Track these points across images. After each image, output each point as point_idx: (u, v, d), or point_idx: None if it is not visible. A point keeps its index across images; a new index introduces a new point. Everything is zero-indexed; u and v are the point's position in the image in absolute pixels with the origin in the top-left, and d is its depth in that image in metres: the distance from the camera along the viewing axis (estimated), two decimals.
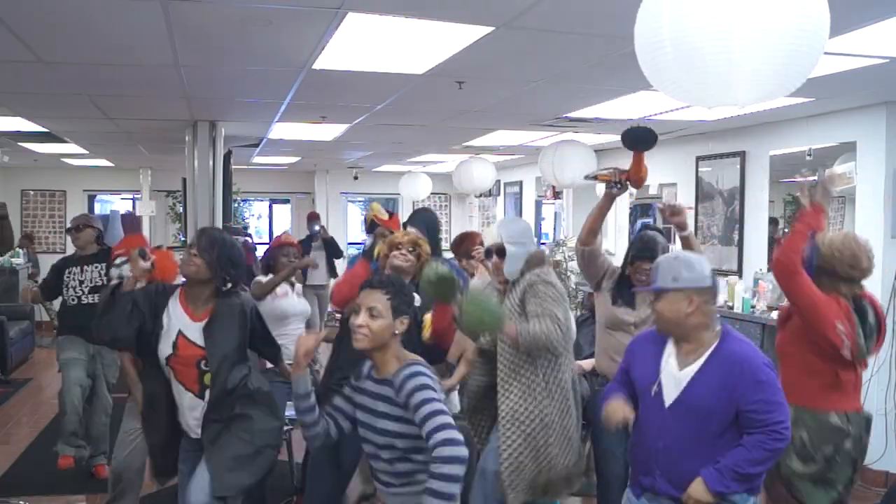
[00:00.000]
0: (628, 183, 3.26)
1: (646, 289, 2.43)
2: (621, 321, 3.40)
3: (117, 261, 3.53)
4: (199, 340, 2.83)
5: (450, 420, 2.19)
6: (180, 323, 2.87)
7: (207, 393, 2.84)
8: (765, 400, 2.24)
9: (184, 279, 2.95)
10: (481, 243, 5.00)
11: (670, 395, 2.36)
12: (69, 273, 4.61)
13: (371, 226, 4.28)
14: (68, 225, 4.91)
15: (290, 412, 4.31)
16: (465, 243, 4.63)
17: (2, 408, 6.34)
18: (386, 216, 4.19)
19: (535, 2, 2.75)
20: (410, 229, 3.61)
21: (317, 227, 8.37)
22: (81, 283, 4.57)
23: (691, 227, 3.11)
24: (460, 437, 2.16)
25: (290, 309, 4.17)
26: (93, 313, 2.96)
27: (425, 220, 3.98)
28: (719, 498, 2.28)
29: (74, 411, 4.44)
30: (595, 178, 3.37)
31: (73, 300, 4.58)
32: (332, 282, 7.37)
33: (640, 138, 3.19)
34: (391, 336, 2.34)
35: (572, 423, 3.09)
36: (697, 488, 2.28)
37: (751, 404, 2.25)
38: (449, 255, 4.75)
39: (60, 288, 4.62)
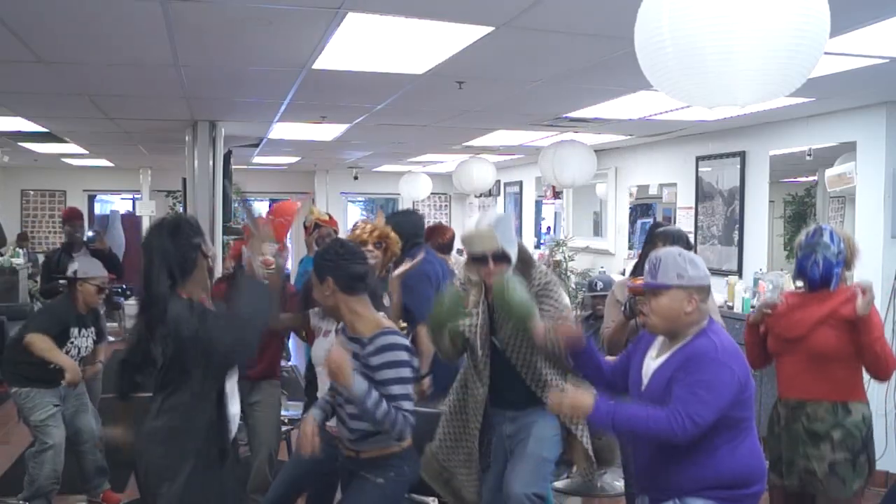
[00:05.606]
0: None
1: (650, 284, 2.31)
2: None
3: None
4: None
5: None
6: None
7: None
8: (685, 381, 2.18)
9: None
10: (452, 238, 5.02)
11: (644, 383, 2.38)
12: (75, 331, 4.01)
13: (314, 227, 4.34)
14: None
15: (288, 412, 4.32)
16: (433, 237, 4.67)
17: (2, 408, 6.34)
18: (326, 218, 4.37)
19: (534, 2, 2.75)
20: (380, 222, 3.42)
21: (90, 234, 5.89)
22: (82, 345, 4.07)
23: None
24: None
25: None
26: None
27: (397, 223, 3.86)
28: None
29: (55, 478, 4.02)
30: None
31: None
32: None
33: None
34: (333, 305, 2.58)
35: None
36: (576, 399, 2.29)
37: (676, 381, 2.22)
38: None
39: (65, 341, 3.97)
